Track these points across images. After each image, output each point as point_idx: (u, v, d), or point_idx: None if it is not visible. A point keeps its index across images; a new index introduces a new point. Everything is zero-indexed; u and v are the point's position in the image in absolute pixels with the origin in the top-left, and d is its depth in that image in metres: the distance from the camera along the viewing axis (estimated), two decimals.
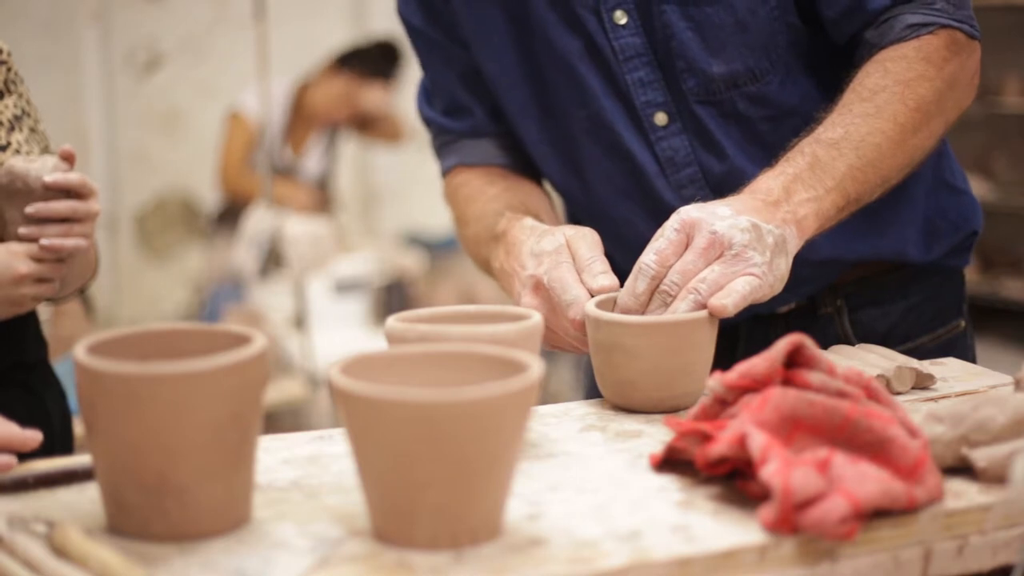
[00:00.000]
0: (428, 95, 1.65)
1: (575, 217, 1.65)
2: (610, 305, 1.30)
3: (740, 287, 1.24)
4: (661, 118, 1.49)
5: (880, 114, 1.38)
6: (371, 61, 4.94)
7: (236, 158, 4.81)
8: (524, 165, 1.62)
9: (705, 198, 1.49)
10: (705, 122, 1.48)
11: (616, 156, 1.51)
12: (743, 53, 1.45)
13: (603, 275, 1.32)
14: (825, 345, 1.45)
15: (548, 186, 1.66)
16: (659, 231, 1.29)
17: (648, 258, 1.27)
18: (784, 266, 1.29)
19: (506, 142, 1.61)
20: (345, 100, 4.92)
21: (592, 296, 1.32)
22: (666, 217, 1.49)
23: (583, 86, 1.49)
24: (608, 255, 1.57)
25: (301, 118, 4.96)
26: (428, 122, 1.66)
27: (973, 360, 1.59)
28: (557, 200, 1.70)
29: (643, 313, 1.28)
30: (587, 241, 1.36)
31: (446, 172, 1.65)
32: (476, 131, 1.61)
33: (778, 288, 1.29)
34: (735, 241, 1.25)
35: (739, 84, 1.47)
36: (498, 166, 1.62)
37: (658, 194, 1.50)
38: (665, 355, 1.24)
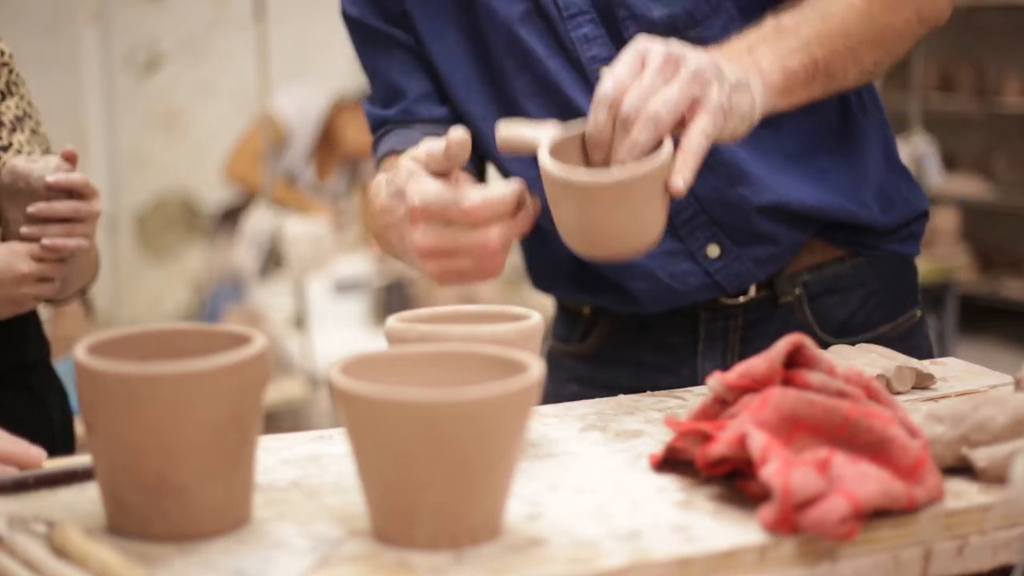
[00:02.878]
0: (370, 96, 1.64)
1: None
2: (567, 145, 1.26)
3: (694, 146, 1.20)
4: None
5: None
6: None
7: (250, 150, 4.78)
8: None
9: None
10: None
11: (564, 117, 1.50)
12: None
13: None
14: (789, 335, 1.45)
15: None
16: (615, 61, 1.24)
17: (605, 86, 1.23)
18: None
19: (435, 131, 1.55)
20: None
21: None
22: None
23: (527, 50, 1.49)
24: (556, 234, 1.56)
25: (328, 141, 4.91)
26: (368, 118, 1.64)
27: (930, 349, 1.61)
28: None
29: (610, 145, 1.23)
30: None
31: (379, 162, 1.62)
32: (406, 113, 1.59)
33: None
34: (691, 60, 1.22)
35: (679, 28, 1.46)
36: None
37: None
38: (620, 209, 1.20)
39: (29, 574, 0.92)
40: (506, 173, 1.59)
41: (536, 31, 1.48)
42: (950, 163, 6.12)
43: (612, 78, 1.22)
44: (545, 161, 1.22)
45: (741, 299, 1.54)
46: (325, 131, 4.88)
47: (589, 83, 1.49)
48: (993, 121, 5.71)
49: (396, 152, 1.57)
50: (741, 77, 1.26)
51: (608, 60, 1.47)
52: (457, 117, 1.57)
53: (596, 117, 1.23)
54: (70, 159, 1.49)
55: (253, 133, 4.79)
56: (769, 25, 1.35)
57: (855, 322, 1.56)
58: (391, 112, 1.60)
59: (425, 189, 1.23)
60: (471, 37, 1.52)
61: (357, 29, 1.59)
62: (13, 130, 1.57)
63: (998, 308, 5.62)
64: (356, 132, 4.82)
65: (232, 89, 5.73)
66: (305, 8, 6.00)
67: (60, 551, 0.92)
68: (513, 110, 1.52)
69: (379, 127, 1.63)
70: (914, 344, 1.56)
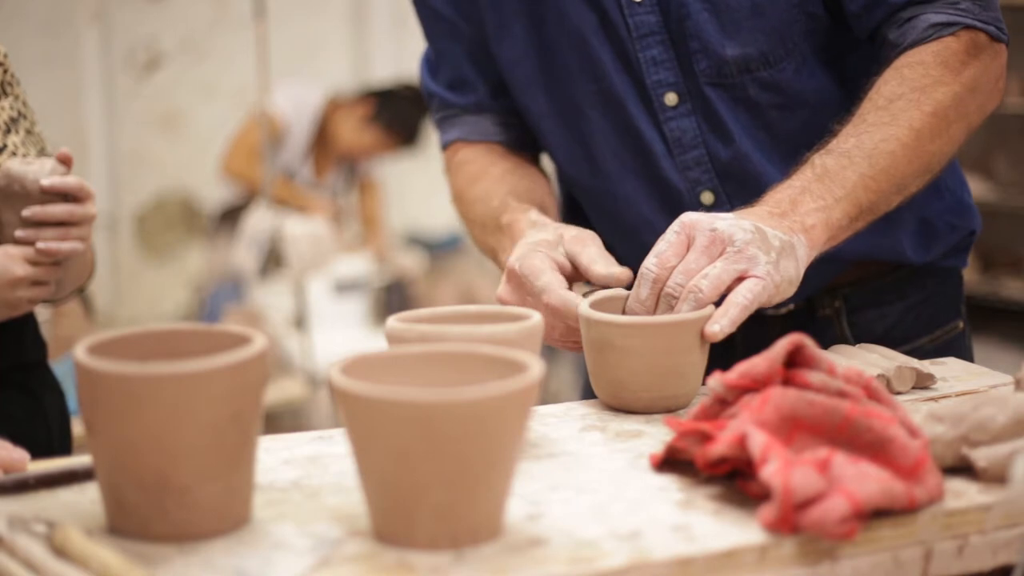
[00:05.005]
0: (432, 67, 1.65)
1: (572, 199, 1.65)
2: (610, 304, 1.30)
3: (739, 298, 1.23)
4: (671, 98, 1.49)
5: (895, 122, 1.36)
6: (405, 114, 4.83)
7: (245, 145, 4.77)
8: (523, 144, 1.63)
9: (710, 181, 1.50)
10: (715, 105, 1.48)
11: (624, 132, 1.51)
12: (757, 37, 1.45)
13: (616, 265, 1.34)
14: (824, 347, 1.44)
15: (546, 167, 1.66)
16: (661, 237, 1.28)
17: (649, 263, 1.27)
18: (793, 270, 1.28)
19: (506, 119, 1.62)
20: (370, 150, 4.87)
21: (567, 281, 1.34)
22: (669, 198, 1.49)
23: (595, 60, 1.49)
24: (605, 237, 1.57)
25: (324, 142, 4.91)
26: (431, 95, 1.66)
27: (971, 362, 1.58)
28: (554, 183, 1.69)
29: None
30: (590, 239, 1.37)
31: (446, 146, 1.66)
32: (479, 107, 1.61)
33: (787, 291, 1.28)
34: (736, 238, 1.24)
35: (751, 69, 1.46)
36: (498, 143, 1.62)
37: (663, 174, 1.50)
38: (654, 356, 1.24)
39: (29, 574, 0.92)
40: (560, 169, 1.61)
41: (607, 44, 1.48)
42: None
43: (656, 256, 1.26)
44: (584, 309, 1.28)
45: (782, 310, 1.54)
46: (320, 129, 4.88)
47: (651, 106, 1.49)
48: (993, 121, 5.71)
49: (467, 141, 1.62)
50: (785, 241, 1.27)
51: (673, 86, 1.48)
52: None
53: (639, 292, 1.27)
54: (65, 162, 1.49)
55: (249, 128, 4.78)
56: (815, 169, 1.34)
57: (893, 335, 1.55)
58: (461, 100, 1.62)
59: (555, 301, 1.33)
60: (537, 35, 1.52)
61: (426, 10, 1.60)
62: (8, 131, 1.56)
63: (998, 308, 5.61)
64: (350, 132, 4.82)
65: (232, 89, 5.72)
66: (305, 8, 6.00)
67: (60, 551, 0.92)
68: (573, 114, 1.53)
69: (443, 108, 1.65)
70: (953, 357, 1.50)
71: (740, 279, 1.24)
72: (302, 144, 4.80)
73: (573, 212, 1.66)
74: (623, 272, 1.34)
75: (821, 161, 1.35)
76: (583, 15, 1.48)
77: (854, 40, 1.49)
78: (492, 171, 1.58)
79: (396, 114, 4.80)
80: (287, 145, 4.72)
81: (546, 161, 1.67)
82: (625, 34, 1.47)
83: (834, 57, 1.49)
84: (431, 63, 1.65)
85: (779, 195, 1.33)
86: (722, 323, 1.22)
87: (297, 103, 4.76)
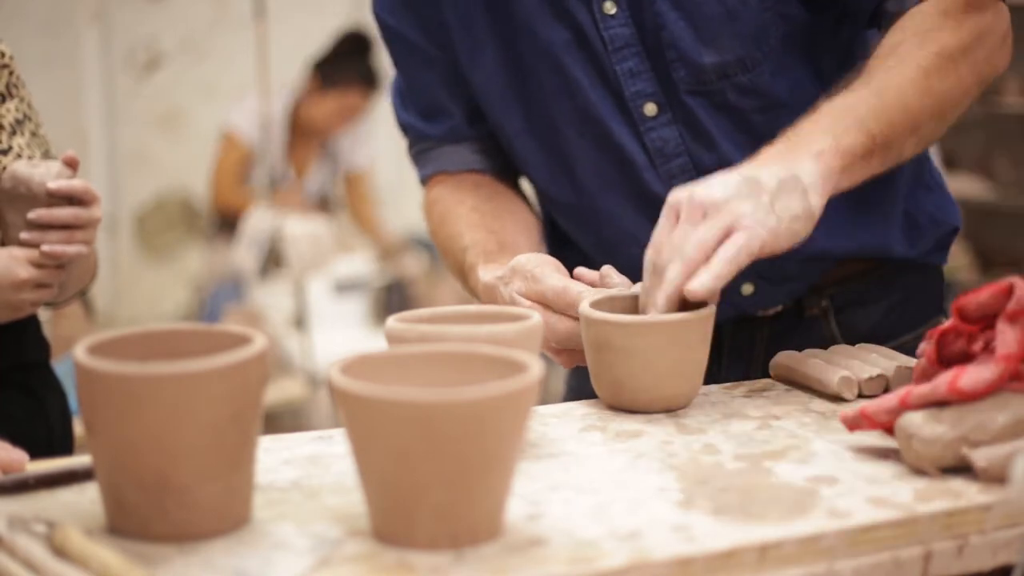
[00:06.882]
0: (403, 97, 1.62)
1: (552, 219, 1.63)
2: (608, 304, 1.30)
3: (724, 252, 1.20)
4: (651, 108, 1.48)
5: (901, 63, 1.34)
6: (345, 64, 4.86)
7: (228, 177, 4.82)
8: (504, 169, 1.60)
9: None
10: (695, 112, 1.47)
11: (604, 148, 1.50)
12: (734, 43, 1.44)
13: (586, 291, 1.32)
14: (813, 346, 1.44)
15: (527, 188, 1.65)
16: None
17: (648, 253, 1.25)
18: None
19: (485, 146, 1.59)
20: (339, 114, 4.88)
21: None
22: (654, 209, 1.48)
23: (569, 78, 1.48)
24: (588, 253, 1.56)
25: (300, 136, 4.92)
26: (405, 128, 1.63)
27: None
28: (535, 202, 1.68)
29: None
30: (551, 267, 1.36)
31: (425, 181, 1.63)
32: (455, 135, 1.58)
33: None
34: (715, 197, 1.21)
35: (729, 74, 1.46)
36: (477, 171, 1.59)
37: (647, 186, 1.49)
38: (654, 355, 1.24)
39: (29, 574, 0.92)
40: (539, 189, 1.59)
41: (580, 60, 1.47)
42: (950, 163, 6.12)
43: (651, 244, 1.25)
44: (584, 309, 1.27)
45: (770, 311, 1.54)
46: (293, 130, 4.89)
47: (631, 117, 1.48)
48: (993, 121, 5.69)
49: (446, 173, 1.59)
50: (784, 177, 1.23)
51: (652, 96, 1.47)
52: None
53: (644, 284, 1.25)
54: (71, 165, 1.49)
55: (222, 156, 4.84)
56: (823, 108, 1.32)
57: (878, 333, 1.54)
58: (436, 130, 1.59)
59: (557, 330, 1.33)
60: (509, 55, 1.50)
61: (394, 39, 1.57)
62: (13, 133, 1.56)
63: None
64: (316, 112, 4.85)
65: (232, 89, 5.71)
66: (305, 8, 6.00)
67: (60, 551, 0.92)
68: (550, 133, 1.51)
69: (419, 141, 1.62)
70: None
71: (728, 233, 1.21)
72: (279, 151, 4.81)
73: (555, 232, 1.64)
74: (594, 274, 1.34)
75: (827, 105, 1.32)
76: (554, 34, 1.46)
77: (830, 36, 1.49)
78: (459, 210, 1.55)
79: (341, 68, 4.84)
80: (263, 160, 4.75)
81: (525, 183, 1.64)
82: (601, 48, 1.46)
83: (813, 57, 1.49)
84: (402, 93, 1.62)
85: (786, 134, 1.30)
86: (702, 279, 1.19)
87: (258, 115, 4.79)
